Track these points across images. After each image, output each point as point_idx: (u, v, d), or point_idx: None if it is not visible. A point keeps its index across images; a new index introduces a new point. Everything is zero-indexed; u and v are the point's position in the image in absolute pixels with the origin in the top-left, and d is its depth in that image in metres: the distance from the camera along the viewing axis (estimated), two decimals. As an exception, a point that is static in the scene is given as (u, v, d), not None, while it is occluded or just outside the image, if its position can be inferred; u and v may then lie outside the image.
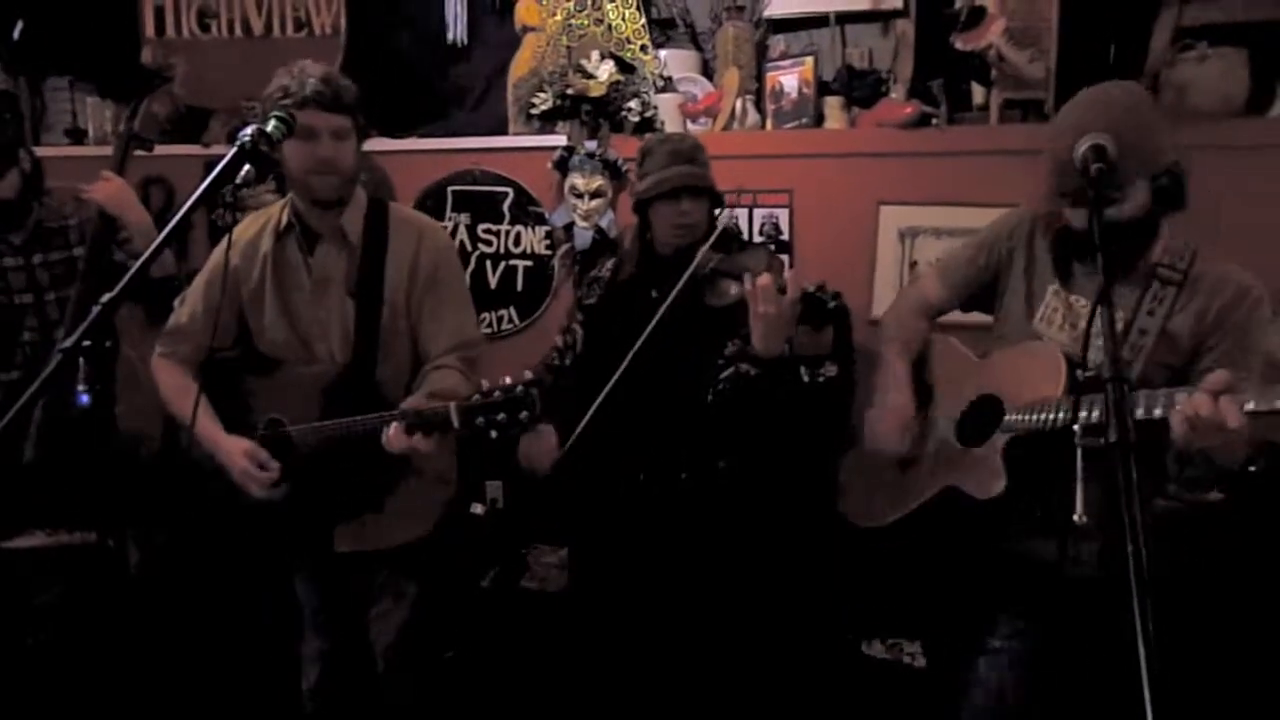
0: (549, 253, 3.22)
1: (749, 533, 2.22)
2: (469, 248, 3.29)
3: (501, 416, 1.64)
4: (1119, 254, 1.56)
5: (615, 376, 1.98)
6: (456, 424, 1.67)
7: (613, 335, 2.14)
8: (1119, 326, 1.58)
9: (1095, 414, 1.37)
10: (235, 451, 1.86)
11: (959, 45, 2.64)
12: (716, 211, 2.14)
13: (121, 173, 2.37)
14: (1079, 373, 1.44)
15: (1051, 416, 1.51)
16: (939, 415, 1.90)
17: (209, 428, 1.89)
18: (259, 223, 1.98)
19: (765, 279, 1.75)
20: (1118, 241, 1.50)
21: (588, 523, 2.30)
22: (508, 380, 1.66)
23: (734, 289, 1.93)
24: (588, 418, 2.01)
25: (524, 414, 1.64)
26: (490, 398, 1.65)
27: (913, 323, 2.02)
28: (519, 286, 3.29)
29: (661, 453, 2.08)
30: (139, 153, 2.44)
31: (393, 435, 1.72)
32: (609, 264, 2.31)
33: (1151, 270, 1.60)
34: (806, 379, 2.61)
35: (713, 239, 2.01)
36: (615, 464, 2.13)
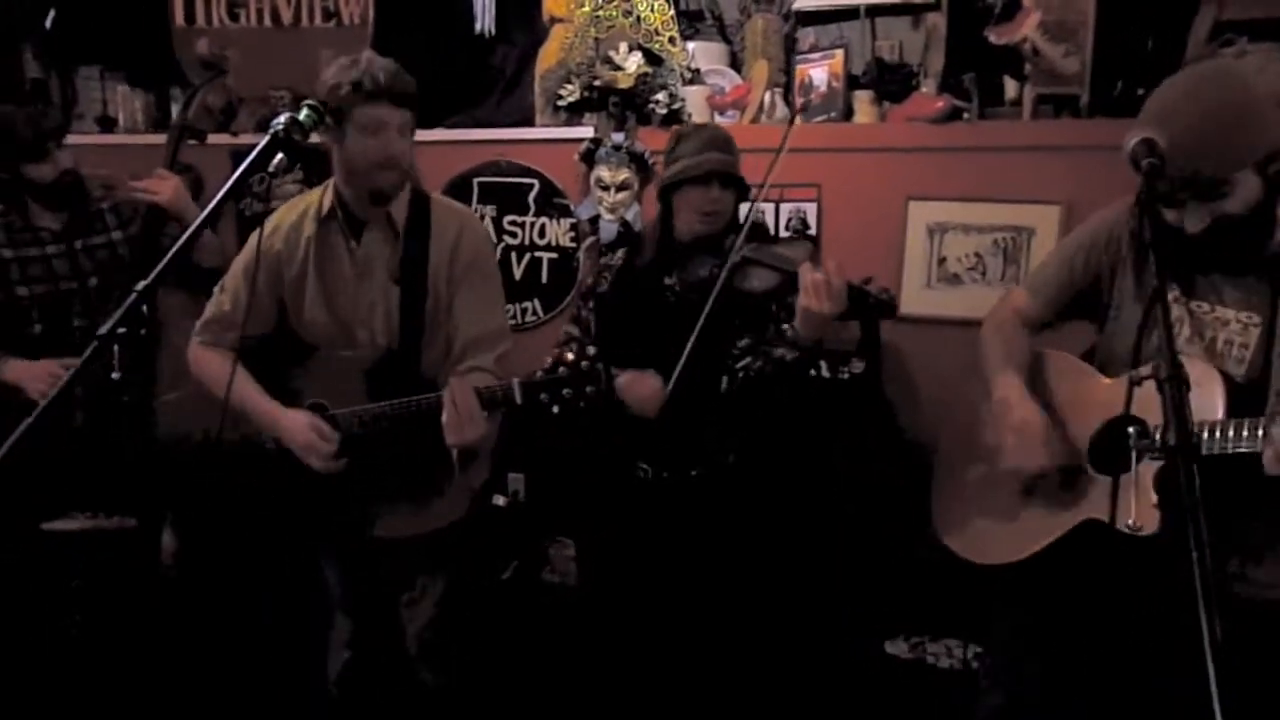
0: (574, 245, 3.21)
1: (766, 528, 2.21)
2: (494, 239, 3.29)
3: (567, 391, 1.64)
4: (1229, 250, 1.47)
5: (696, 332, 1.92)
6: (519, 400, 1.67)
7: (625, 322, 2.13)
8: (1255, 332, 1.49)
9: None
10: (297, 424, 1.85)
11: (992, 39, 2.60)
12: (744, 206, 2.12)
13: (174, 164, 2.39)
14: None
15: (1222, 441, 1.37)
16: (1064, 438, 1.68)
17: (265, 405, 1.88)
18: (299, 208, 1.98)
19: (818, 276, 1.72)
20: (1227, 236, 1.43)
21: (600, 516, 2.30)
22: (570, 356, 1.65)
23: (770, 278, 1.91)
24: (684, 359, 1.93)
25: (590, 388, 1.63)
26: (555, 373, 1.65)
27: (1013, 337, 1.79)
28: (544, 279, 3.29)
29: (677, 444, 2.07)
30: (190, 142, 2.46)
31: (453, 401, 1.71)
32: (621, 253, 2.30)
33: (1276, 264, 1.48)
34: (828, 375, 2.60)
35: (745, 230, 1.98)
36: (631, 455, 2.12)
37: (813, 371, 2.01)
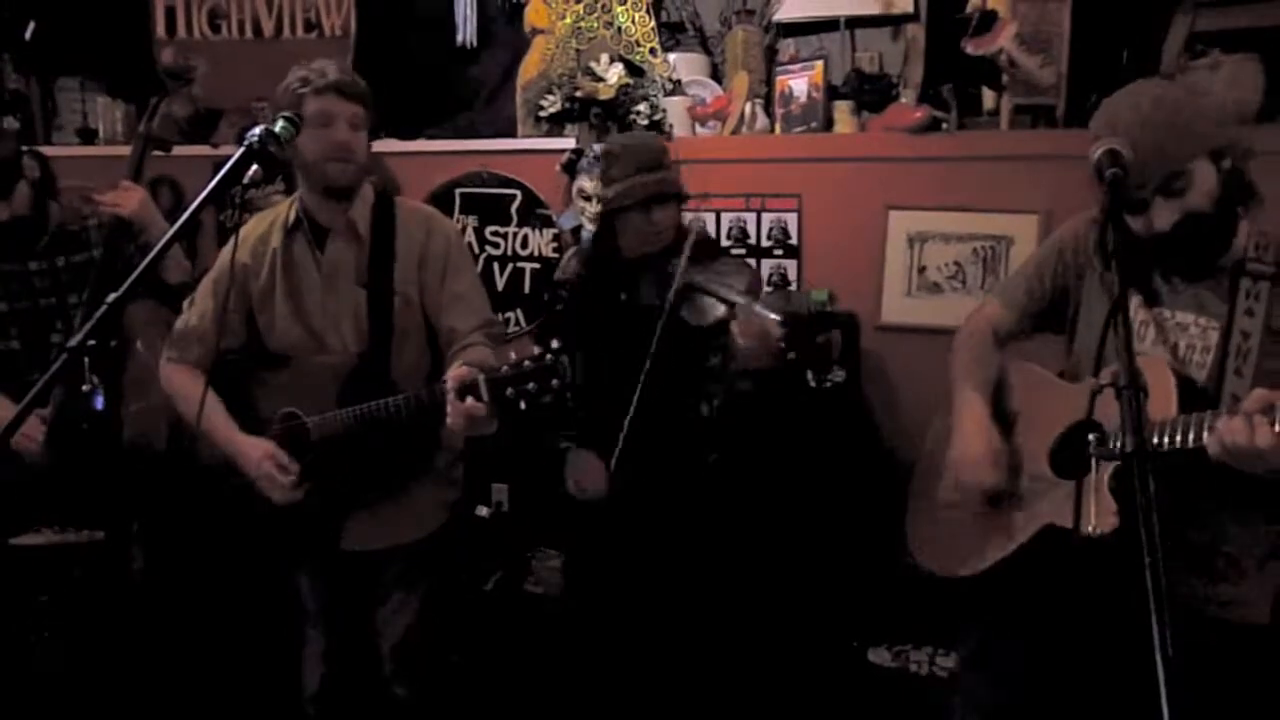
0: (556, 255, 3.21)
1: (750, 539, 2.21)
2: (476, 249, 3.29)
3: (532, 386, 1.59)
4: (1195, 250, 1.50)
5: (637, 394, 1.92)
6: (485, 396, 1.62)
7: (582, 340, 2.13)
8: (1214, 336, 1.51)
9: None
10: (256, 455, 1.85)
11: (970, 50, 2.62)
12: (688, 218, 2.10)
13: (139, 175, 2.36)
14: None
15: (1169, 438, 1.39)
16: (1028, 447, 1.71)
17: (226, 431, 1.88)
18: (266, 221, 1.98)
19: (751, 324, 1.70)
20: (1194, 234, 1.45)
21: (580, 530, 2.30)
22: (535, 350, 1.62)
23: (715, 309, 1.91)
24: (624, 433, 1.94)
25: (555, 382, 1.58)
26: (520, 368, 1.60)
27: (982, 351, 1.83)
28: (526, 289, 3.29)
29: (644, 468, 2.08)
30: (156, 153, 2.44)
31: (450, 410, 1.66)
32: (572, 264, 2.29)
33: (1238, 267, 1.50)
34: (814, 384, 2.60)
35: (688, 251, 1.97)
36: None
37: (788, 360, 2.01)
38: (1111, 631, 1.41)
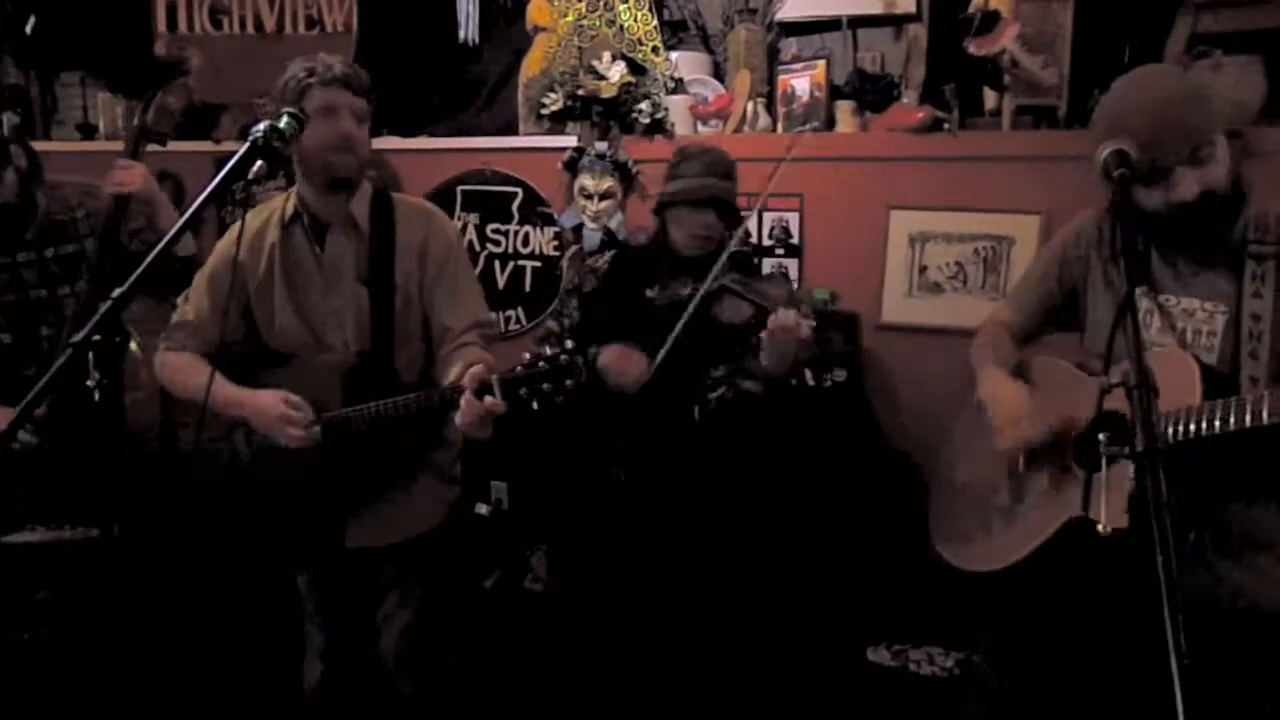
0: (557, 254, 3.21)
1: (750, 537, 2.21)
2: (477, 247, 3.30)
3: (546, 386, 1.60)
4: (1207, 227, 1.50)
5: (669, 341, 1.96)
6: (499, 395, 1.62)
7: (604, 326, 2.15)
8: (1221, 320, 1.52)
9: (1245, 418, 1.32)
10: (266, 400, 1.83)
11: (972, 50, 2.63)
12: (729, 233, 2.14)
13: None
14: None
15: (1195, 426, 1.40)
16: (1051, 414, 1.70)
17: (233, 392, 1.85)
18: (262, 216, 1.96)
19: (790, 317, 1.77)
20: (1207, 213, 1.46)
21: (573, 521, 2.31)
22: (548, 350, 1.62)
23: (744, 310, 1.95)
24: (669, 343, 1.97)
25: (569, 381, 1.59)
26: (534, 367, 1.61)
27: (998, 342, 1.85)
28: (527, 287, 3.29)
29: (646, 458, 2.09)
30: (152, 146, 2.42)
31: (465, 408, 1.64)
32: (607, 257, 2.34)
33: (1239, 250, 1.51)
34: (812, 383, 2.61)
35: (726, 255, 2.02)
36: (601, 467, 2.14)
37: (794, 381, 2.03)
38: (1139, 625, 1.42)
